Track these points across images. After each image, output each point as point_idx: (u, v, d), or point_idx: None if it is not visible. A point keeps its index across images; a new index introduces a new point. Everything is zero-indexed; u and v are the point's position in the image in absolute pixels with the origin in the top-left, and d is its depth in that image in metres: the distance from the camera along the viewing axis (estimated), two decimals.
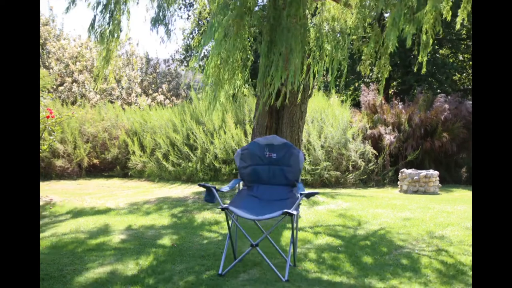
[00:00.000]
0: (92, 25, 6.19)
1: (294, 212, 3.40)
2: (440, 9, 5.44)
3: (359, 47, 6.16)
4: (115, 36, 6.25)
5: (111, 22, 6.11)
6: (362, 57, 6.85)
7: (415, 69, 6.32)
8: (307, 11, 6.42)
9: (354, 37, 5.82)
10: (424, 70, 6.17)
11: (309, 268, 3.79)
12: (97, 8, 6.10)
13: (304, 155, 3.87)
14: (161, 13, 5.96)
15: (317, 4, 7.17)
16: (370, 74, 16.19)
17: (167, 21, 6.01)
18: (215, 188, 3.74)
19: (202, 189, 8.59)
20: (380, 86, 6.75)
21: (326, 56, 6.33)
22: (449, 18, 5.78)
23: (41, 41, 16.98)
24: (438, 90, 14.93)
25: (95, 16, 6.17)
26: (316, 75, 6.64)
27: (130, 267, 3.71)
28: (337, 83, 13.48)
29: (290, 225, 3.89)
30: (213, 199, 3.69)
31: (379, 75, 6.80)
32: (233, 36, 5.29)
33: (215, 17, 5.37)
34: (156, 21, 5.98)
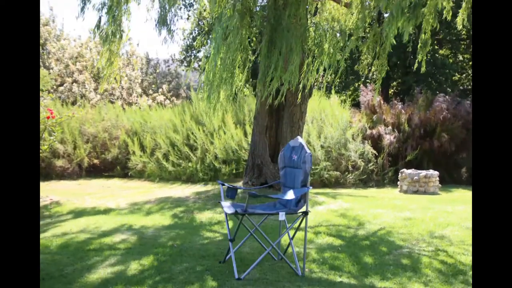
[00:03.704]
0: (97, 26, 6.19)
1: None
2: (439, 6, 5.43)
3: (359, 46, 6.16)
4: (118, 37, 6.26)
5: (113, 23, 6.11)
6: (361, 57, 6.86)
7: (414, 68, 6.30)
8: (306, 11, 6.42)
9: (353, 37, 5.82)
10: (423, 69, 6.15)
11: (310, 267, 3.79)
12: (102, 10, 6.11)
13: (311, 155, 3.74)
14: (163, 14, 5.97)
15: (317, 4, 7.18)
16: (369, 74, 16.20)
17: (169, 22, 6.01)
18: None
19: (203, 189, 8.60)
20: (377, 85, 6.74)
21: (326, 55, 6.33)
22: (449, 17, 5.78)
23: (41, 41, 16.99)
24: (437, 91, 14.93)
25: (100, 17, 6.18)
26: (316, 74, 6.64)
27: (131, 267, 3.71)
28: (335, 82, 13.46)
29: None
30: None
31: (376, 75, 6.78)
32: (234, 37, 5.29)
33: (221, 20, 5.37)
34: (159, 21, 5.98)
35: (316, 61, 6.44)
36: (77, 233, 4.93)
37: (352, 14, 6.43)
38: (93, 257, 3.98)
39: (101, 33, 6.19)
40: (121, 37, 6.33)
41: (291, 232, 4.20)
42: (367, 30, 6.15)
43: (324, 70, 6.37)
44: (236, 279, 3.40)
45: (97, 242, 4.53)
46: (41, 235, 4.80)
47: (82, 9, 6.09)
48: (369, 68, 6.94)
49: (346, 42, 6.27)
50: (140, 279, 3.41)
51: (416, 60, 6.18)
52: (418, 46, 5.93)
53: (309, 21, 6.93)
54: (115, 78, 7.10)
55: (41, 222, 5.58)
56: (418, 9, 5.05)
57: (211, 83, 5.54)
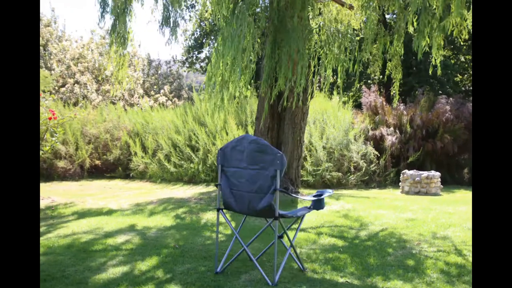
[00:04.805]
0: (113, 29, 6.24)
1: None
2: (465, 16, 5.45)
3: (368, 48, 6.15)
4: (124, 39, 6.27)
5: (119, 26, 6.13)
6: (370, 59, 6.87)
7: (430, 72, 6.31)
8: (310, 12, 6.43)
9: (358, 38, 5.84)
10: (439, 72, 6.17)
11: (312, 268, 3.79)
12: (102, 10, 6.13)
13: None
14: (167, 14, 5.98)
15: (320, 5, 7.18)
16: (373, 75, 16.19)
17: (173, 23, 6.03)
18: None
19: (204, 190, 8.60)
20: (394, 88, 6.74)
21: (333, 57, 6.32)
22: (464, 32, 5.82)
23: (43, 42, 17.04)
24: (440, 92, 14.93)
25: (99, 17, 6.20)
26: (320, 76, 6.64)
27: (133, 268, 3.72)
28: (340, 84, 13.46)
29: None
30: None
31: (392, 77, 6.79)
32: (239, 38, 5.29)
33: (225, 21, 5.38)
34: (163, 22, 5.99)
35: (321, 63, 6.44)
36: (80, 234, 4.94)
37: (356, 15, 6.43)
38: (96, 258, 3.98)
39: (109, 36, 6.24)
40: (127, 39, 6.34)
41: (292, 234, 4.20)
42: (374, 32, 6.14)
43: (334, 72, 6.37)
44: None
45: (100, 243, 4.54)
46: (44, 236, 4.81)
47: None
48: (383, 70, 6.97)
49: (351, 43, 6.27)
50: (143, 280, 3.42)
51: (431, 64, 6.19)
52: (433, 50, 5.91)
53: (312, 22, 6.93)
54: (122, 81, 7.11)
55: (44, 223, 5.60)
56: (446, 19, 5.08)
57: (219, 84, 5.55)
